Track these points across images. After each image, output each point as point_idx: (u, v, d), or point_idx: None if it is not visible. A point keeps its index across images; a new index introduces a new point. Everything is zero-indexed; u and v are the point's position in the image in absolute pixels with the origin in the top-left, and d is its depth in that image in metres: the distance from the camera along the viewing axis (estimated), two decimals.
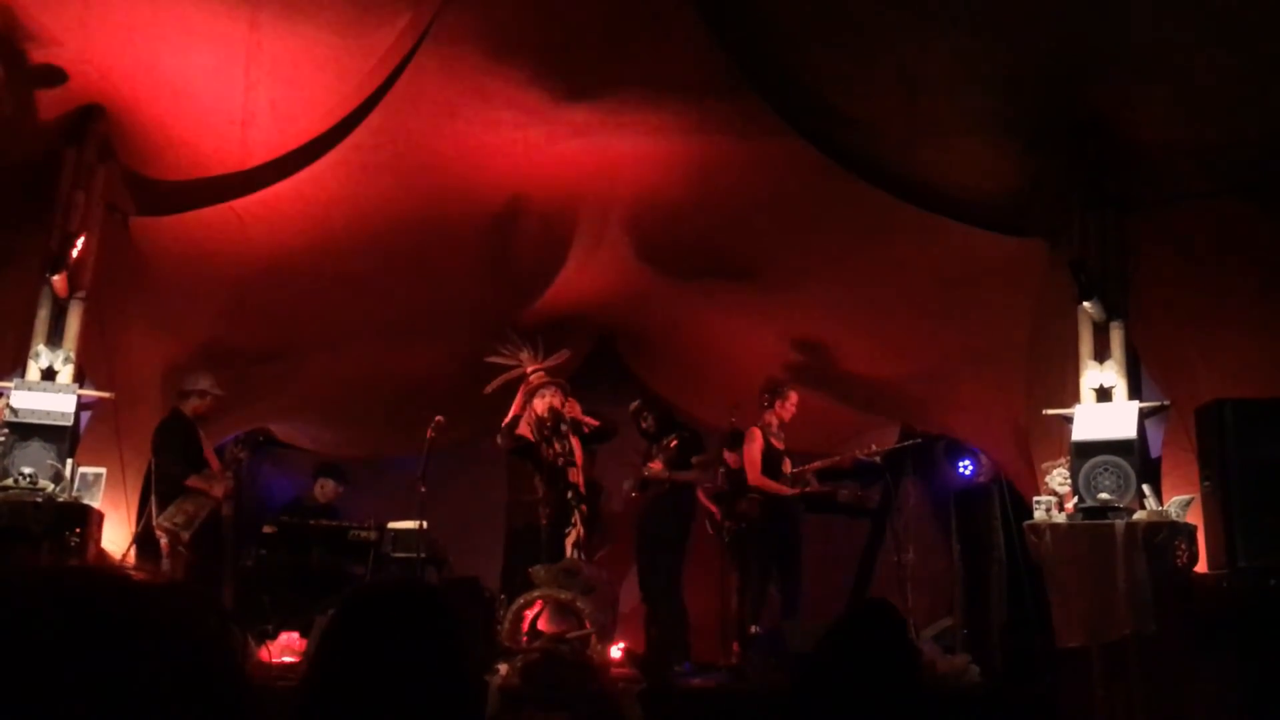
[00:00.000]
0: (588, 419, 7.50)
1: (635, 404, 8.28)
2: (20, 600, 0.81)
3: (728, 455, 7.85)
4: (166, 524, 6.59)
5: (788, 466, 7.80)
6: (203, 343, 7.44)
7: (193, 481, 6.77)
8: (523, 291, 8.35)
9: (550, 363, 7.55)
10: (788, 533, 7.69)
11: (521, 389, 7.49)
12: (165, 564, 6.52)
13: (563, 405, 7.38)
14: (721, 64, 6.13)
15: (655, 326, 9.17)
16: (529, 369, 7.52)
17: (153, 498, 6.67)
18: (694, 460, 7.96)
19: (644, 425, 8.11)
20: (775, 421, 7.83)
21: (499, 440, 7.57)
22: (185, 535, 6.64)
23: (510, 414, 7.43)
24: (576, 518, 7.22)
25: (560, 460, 7.31)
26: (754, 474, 7.67)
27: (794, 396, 7.85)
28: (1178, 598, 5.36)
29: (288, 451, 9.68)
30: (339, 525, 8.06)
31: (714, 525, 7.99)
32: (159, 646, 0.81)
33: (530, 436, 7.36)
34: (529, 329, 8.07)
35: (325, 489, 8.71)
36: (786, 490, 7.69)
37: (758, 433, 7.76)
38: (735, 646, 7.42)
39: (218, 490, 6.88)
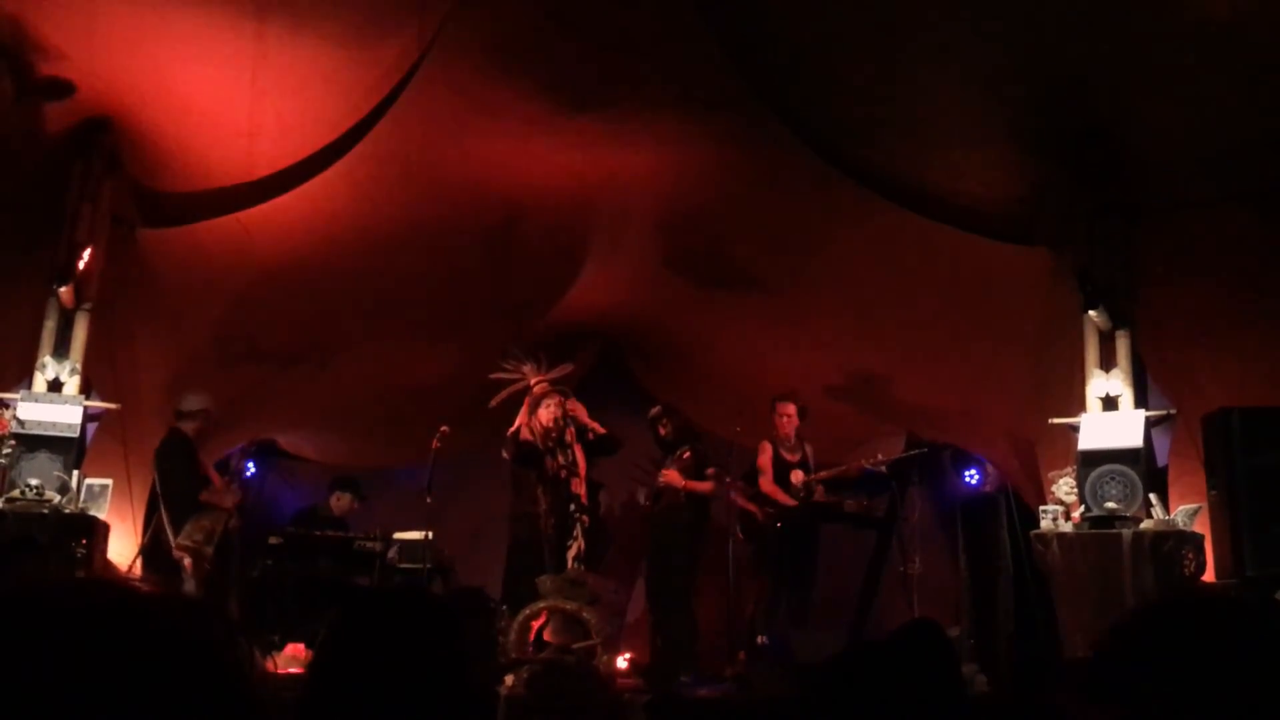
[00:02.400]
0: (593, 424, 7.50)
1: (657, 409, 8.22)
2: (27, 614, 0.82)
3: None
4: (188, 542, 6.60)
5: (797, 478, 7.78)
6: (209, 354, 7.45)
7: (206, 497, 6.81)
8: (529, 303, 8.36)
9: (554, 375, 7.57)
10: (803, 544, 7.69)
11: (526, 400, 7.51)
12: (190, 583, 6.52)
13: (565, 414, 7.38)
14: (728, 75, 6.14)
15: (662, 337, 9.17)
16: (533, 381, 7.53)
17: (165, 518, 6.66)
18: (708, 471, 7.94)
19: (662, 432, 8.06)
20: (784, 434, 7.84)
21: (505, 454, 7.59)
22: (209, 550, 6.67)
23: (515, 424, 7.45)
24: (579, 530, 7.22)
25: (563, 472, 7.31)
26: (764, 482, 7.69)
27: (782, 408, 7.83)
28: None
29: (294, 462, 9.69)
30: (345, 536, 8.04)
31: (748, 529, 7.92)
32: (165, 659, 0.81)
33: (536, 442, 7.38)
34: (535, 340, 8.07)
35: (341, 502, 8.70)
36: (787, 500, 7.68)
37: (768, 445, 7.80)
38: (741, 655, 7.40)
39: (228, 502, 6.93)
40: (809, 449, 7.98)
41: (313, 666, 1.68)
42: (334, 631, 1.70)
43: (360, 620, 1.72)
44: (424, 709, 1.60)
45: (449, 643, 1.70)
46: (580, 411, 7.50)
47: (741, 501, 7.90)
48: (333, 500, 8.71)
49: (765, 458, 7.78)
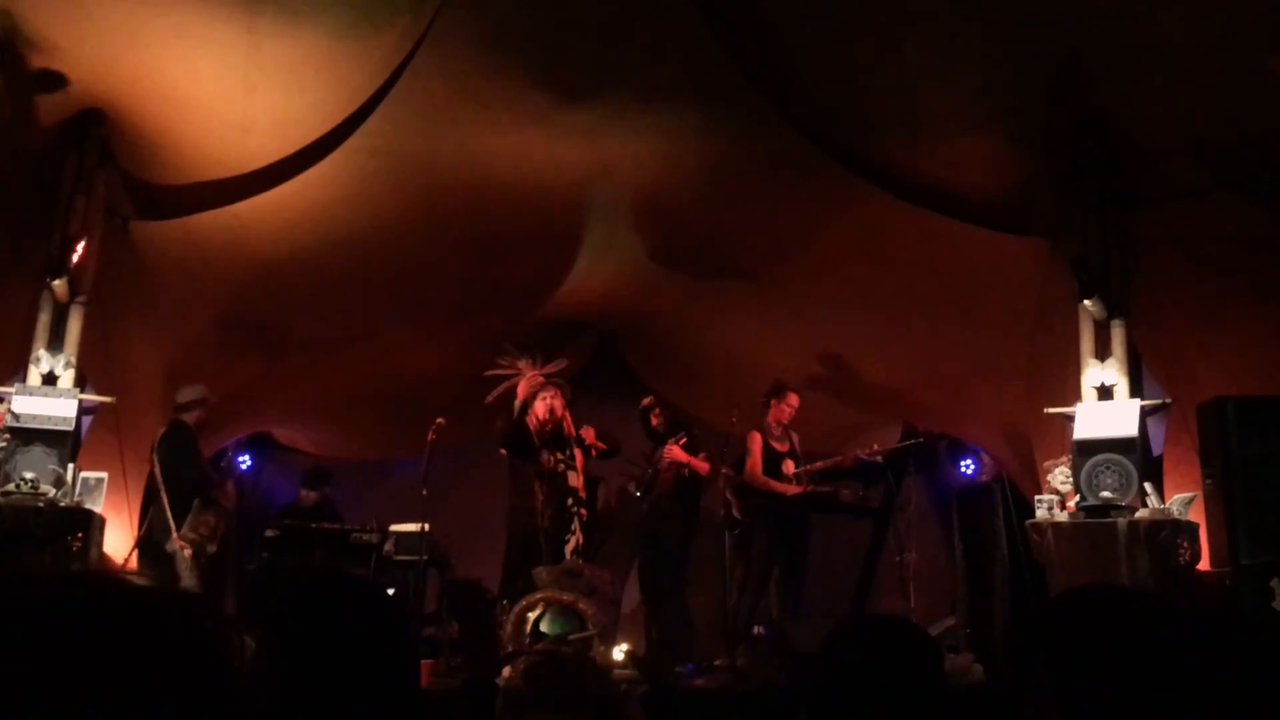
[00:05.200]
0: (598, 443, 7.54)
1: (648, 399, 8.20)
2: (21, 605, 0.82)
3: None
4: (192, 534, 6.61)
5: (789, 468, 7.74)
6: (203, 347, 7.44)
7: (217, 493, 6.88)
8: (525, 293, 8.36)
9: (549, 370, 7.59)
10: (793, 534, 7.66)
11: (520, 385, 7.53)
12: (188, 576, 6.53)
13: (564, 409, 7.41)
14: (722, 64, 6.13)
15: (658, 327, 9.17)
16: (528, 375, 7.56)
17: (167, 509, 6.65)
18: (701, 455, 7.93)
19: (654, 422, 8.06)
20: (774, 423, 7.79)
21: (500, 446, 7.61)
22: (212, 547, 6.70)
23: (515, 409, 7.48)
24: (576, 524, 7.24)
25: (561, 466, 7.33)
26: (755, 474, 7.64)
27: (792, 398, 7.78)
28: (1180, 596, 5.36)
29: (290, 455, 9.69)
30: (341, 528, 8.06)
31: (730, 519, 7.94)
32: (157, 652, 0.81)
33: (531, 428, 7.40)
34: (531, 331, 8.07)
35: (310, 496, 8.83)
36: (788, 490, 7.65)
37: (758, 435, 7.72)
38: (738, 649, 7.38)
39: (227, 502, 6.99)
40: (795, 437, 7.93)
41: (255, 654, 1.68)
42: (273, 619, 1.70)
43: (298, 609, 1.72)
44: (365, 697, 1.61)
45: (388, 631, 1.70)
46: (589, 433, 7.54)
47: (726, 493, 7.90)
48: (302, 494, 8.82)
49: (757, 448, 7.72)
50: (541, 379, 7.53)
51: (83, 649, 0.79)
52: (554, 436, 7.38)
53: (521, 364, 7.62)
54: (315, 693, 1.58)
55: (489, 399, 7.59)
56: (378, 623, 1.69)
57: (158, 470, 6.69)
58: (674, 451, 7.75)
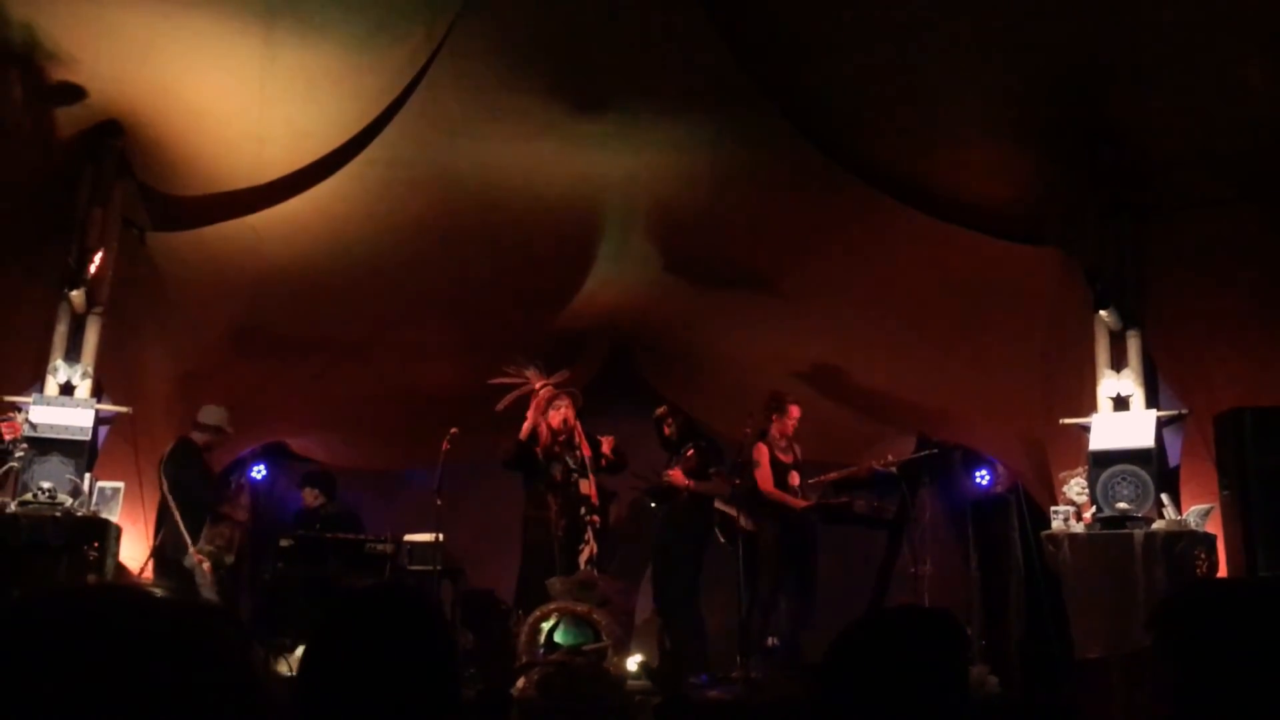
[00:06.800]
0: (609, 454, 7.57)
1: (662, 409, 8.21)
2: (43, 618, 0.82)
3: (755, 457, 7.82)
4: (209, 547, 6.67)
5: (795, 479, 7.72)
6: (219, 357, 7.47)
7: (228, 510, 6.92)
8: (539, 303, 8.37)
9: (556, 379, 7.61)
10: (801, 545, 7.63)
11: (533, 403, 7.55)
12: (207, 589, 6.57)
13: (575, 418, 7.44)
14: (736, 75, 6.14)
15: (671, 337, 9.16)
16: (537, 385, 7.57)
17: (179, 524, 6.69)
18: (711, 472, 7.92)
19: (667, 432, 8.06)
20: (779, 435, 7.75)
21: (504, 466, 7.65)
22: (230, 559, 6.75)
23: (525, 428, 7.50)
24: (589, 534, 7.25)
25: (573, 475, 7.34)
26: (766, 486, 7.60)
27: (793, 410, 7.74)
28: None
29: (304, 465, 9.70)
30: (356, 538, 8.07)
31: (728, 532, 7.92)
32: (177, 663, 0.81)
33: (539, 449, 7.43)
34: (544, 342, 8.08)
35: (309, 497, 8.84)
36: (797, 502, 7.63)
37: (764, 447, 7.66)
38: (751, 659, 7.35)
39: (240, 515, 7.02)
40: (798, 449, 7.90)
41: (301, 670, 1.68)
42: (318, 633, 1.70)
43: (343, 620, 1.72)
44: (411, 708, 1.61)
45: (432, 640, 1.70)
46: (607, 443, 7.58)
47: (723, 506, 7.87)
48: (304, 494, 8.84)
49: (765, 460, 7.67)
50: (552, 390, 7.56)
51: (108, 660, 0.79)
52: (566, 446, 7.41)
53: (529, 373, 7.64)
54: (360, 707, 1.58)
55: (499, 407, 7.62)
56: (427, 638, 1.69)
57: (165, 487, 6.73)
58: (673, 476, 7.78)
